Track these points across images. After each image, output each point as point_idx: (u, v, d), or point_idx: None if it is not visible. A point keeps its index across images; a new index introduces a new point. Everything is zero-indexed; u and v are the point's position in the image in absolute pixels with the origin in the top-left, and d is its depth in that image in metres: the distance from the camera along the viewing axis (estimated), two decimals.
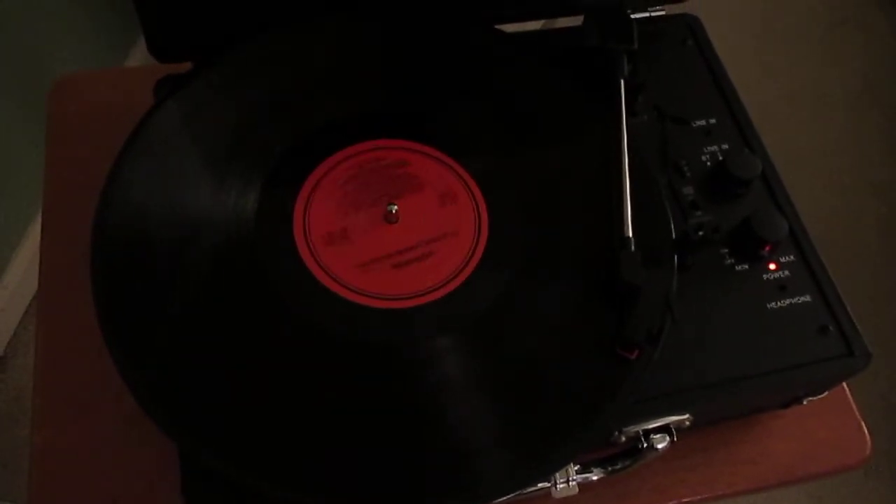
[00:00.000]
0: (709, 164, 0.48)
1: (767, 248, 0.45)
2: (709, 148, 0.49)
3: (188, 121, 0.45)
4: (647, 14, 0.55)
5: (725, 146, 0.49)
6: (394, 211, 0.42)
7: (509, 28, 0.52)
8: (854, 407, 0.50)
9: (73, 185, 0.54)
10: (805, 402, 0.47)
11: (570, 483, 0.41)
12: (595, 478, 0.42)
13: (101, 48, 1.19)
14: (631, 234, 0.42)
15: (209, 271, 0.41)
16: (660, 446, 0.42)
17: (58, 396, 0.46)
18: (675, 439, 0.42)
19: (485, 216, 0.44)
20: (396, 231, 0.43)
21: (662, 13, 0.55)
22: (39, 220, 0.55)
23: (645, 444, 0.42)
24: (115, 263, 0.40)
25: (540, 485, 0.41)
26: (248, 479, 0.36)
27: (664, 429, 0.42)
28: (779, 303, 0.44)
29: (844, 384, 0.50)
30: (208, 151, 0.44)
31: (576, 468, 0.42)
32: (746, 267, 0.45)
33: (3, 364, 1.14)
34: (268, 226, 0.42)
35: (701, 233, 0.45)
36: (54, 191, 0.54)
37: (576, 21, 0.53)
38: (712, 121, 0.50)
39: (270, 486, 0.36)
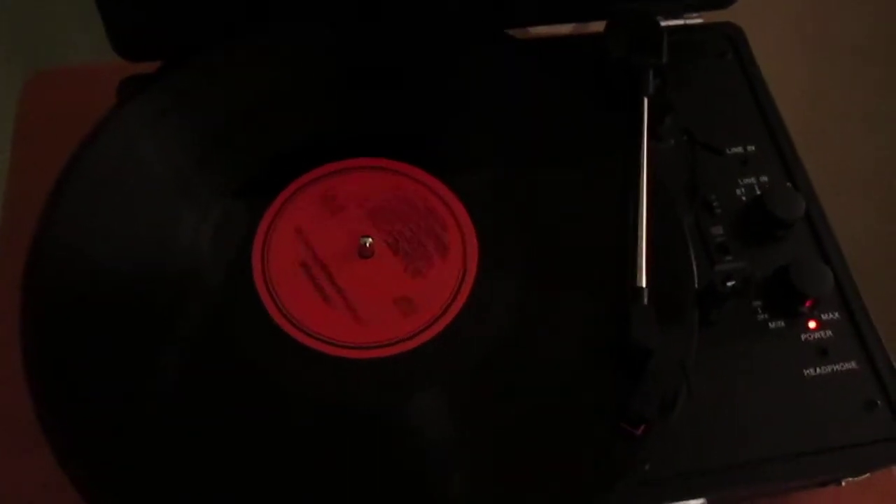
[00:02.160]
0: (744, 199, 0.42)
1: (808, 304, 0.39)
2: (745, 180, 0.43)
3: (143, 134, 0.39)
4: (681, 21, 0.48)
5: (764, 179, 0.43)
6: (367, 244, 0.37)
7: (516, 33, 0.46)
8: None
9: (35, 189, 0.49)
10: (843, 484, 0.40)
11: None
12: None
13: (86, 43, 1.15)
14: (645, 285, 0.36)
15: (153, 315, 0.35)
16: None
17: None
18: None
19: (474, 248, 0.39)
20: (371, 266, 0.37)
21: (700, 21, 0.49)
22: None
23: None
24: (47, 304, 0.35)
25: None
26: None
27: None
28: (818, 369, 0.38)
29: None
30: (160, 170, 0.38)
31: None
32: (782, 324, 0.39)
33: None
34: (226, 262, 0.37)
35: (730, 283, 0.39)
36: (16, 195, 0.50)
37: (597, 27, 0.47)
38: (751, 148, 0.44)
39: None
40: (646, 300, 0.36)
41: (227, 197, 0.39)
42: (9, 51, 1.00)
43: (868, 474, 0.40)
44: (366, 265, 0.38)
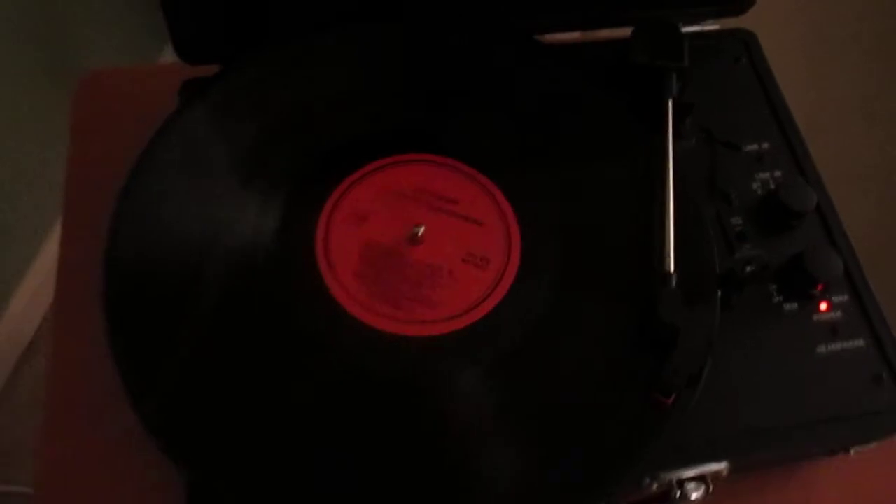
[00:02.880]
0: (759, 192, 0.45)
1: (819, 288, 0.42)
2: (760, 175, 0.46)
3: (207, 131, 0.43)
4: (698, 28, 0.52)
5: (778, 174, 0.46)
6: (419, 233, 0.40)
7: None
8: None
9: (94, 185, 0.52)
10: (852, 453, 0.44)
11: None
12: None
13: (133, 44, 1.18)
14: (672, 270, 0.40)
15: (225, 294, 0.39)
16: (694, 496, 0.39)
17: (65, 411, 0.45)
18: (711, 490, 0.39)
19: (516, 241, 0.42)
20: (421, 252, 0.41)
21: (716, 27, 0.52)
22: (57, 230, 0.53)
23: (678, 493, 0.39)
24: (128, 284, 0.39)
25: None
26: None
27: (699, 478, 0.39)
28: (829, 347, 0.41)
29: None
30: (226, 164, 0.42)
31: None
32: (795, 306, 0.42)
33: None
34: (289, 247, 0.40)
35: (749, 269, 0.42)
36: (76, 191, 0.53)
37: (617, 33, 0.50)
38: (765, 145, 0.47)
39: None
40: (674, 284, 0.39)
41: (298, 173, 0.42)
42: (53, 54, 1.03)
43: (874, 443, 0.44)
44: (412, 249, 0.41)
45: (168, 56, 1.22)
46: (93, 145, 0.54)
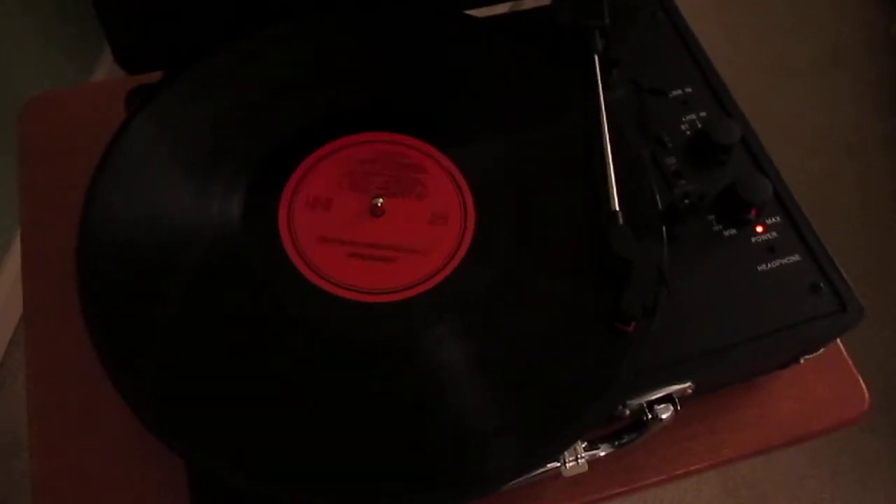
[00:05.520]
0: (689, 132, 0.49)
1: (754, 212, 0.45)
2: (687, 117, 0.49)
3: (163, 130, 0.44)
4: None
5: (703, 114, 0.49)
6: (379, 204, 0.42)
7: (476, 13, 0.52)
8: (850, 363, 0.51)
9: (51, 206, 0.53)
10: (802, 361, 0.47)
11: (579, 461, 0.41)
12: (602, 454, 0.42)
13: (66, 66, 1.17)
14: (618, 209, 0.42)
15: (198, 280, 0.40)
16: (664, 416, 0.42)
17: (54, 420, 0.46)
18: (679, 409, 0.42)
19: (471, 203, 0.44)
20: (382, 223, 0.43)
21: None
22: (17, 247, 0.54)
23: (649, 416, 0.42)
24: (102, 281, 0.40)
25: (549, 465, 0.41)
26: (257, 484, 0.35)
27: (667, 399, 0.42)
28: (769, 264, 0.45)
29: (839, 341, 0.51)
30: (186, 159, 0.43)
31: (583, 445, 0.42)
32: (734, 232, 0.45)
33: None
34: (253, 227, 0.42)
35: (687, 201, 0.45)
36: (32, 214, 0.53)
37: (541, 2, 0.53)
38: (689, 90, 0.50)
39: (279, 489, 0.35)
40: (621, 221, 0.42)
41: (255, 161, 0.44)
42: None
43: (822, 350, 0.47)
44: (373, 222, 0.43)
45: (98, 76, 1.21)
46: (44, 168, 0.55)
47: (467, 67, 0.49)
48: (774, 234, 0.46)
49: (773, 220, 0.46)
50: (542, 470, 0.41)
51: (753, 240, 0.45)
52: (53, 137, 0.56)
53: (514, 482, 0.39)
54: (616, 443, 0.43)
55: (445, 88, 0.48)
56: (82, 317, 0.39)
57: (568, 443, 0.40)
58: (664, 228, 0.43)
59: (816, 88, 1.50)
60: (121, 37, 0.46)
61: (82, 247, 0.40)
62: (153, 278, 0.40)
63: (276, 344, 0.39)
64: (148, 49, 0.47)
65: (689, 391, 0.43)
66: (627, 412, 0.42)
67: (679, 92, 0.50)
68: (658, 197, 0.44)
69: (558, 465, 0.41)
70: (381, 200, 0.42)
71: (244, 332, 0.39)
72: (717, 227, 0.45)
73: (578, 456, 0.41)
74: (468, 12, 0.52)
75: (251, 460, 0.36)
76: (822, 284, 0.44)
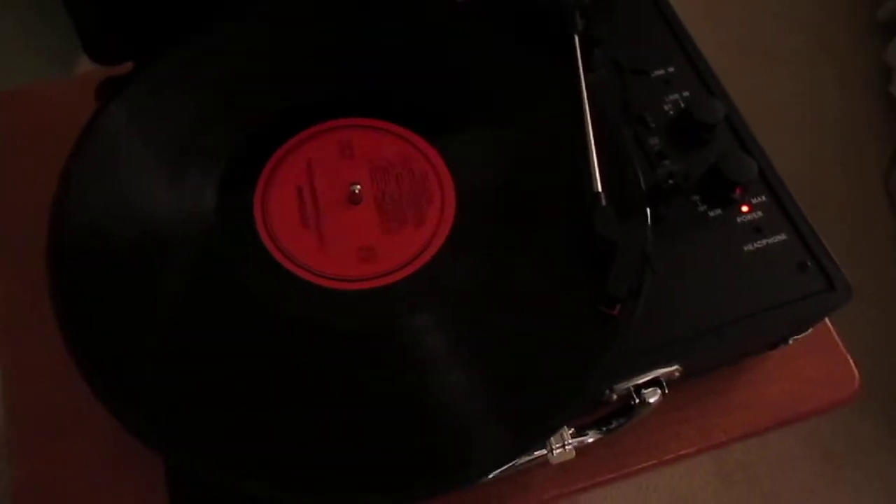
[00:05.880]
0: (672, 112, 0.48)
1: (739, 191, 0.45)
2: (670, 97, 0.48)
3: (133, 122, 0.43)
4: None
5: (686, 94, 0.49)
6: (357, 191, 0.41)
7: None
8: (840, 343, 0.50)
9: (20, 203, 0.52)
10: (791, 342, 0.46)
11: (567, 447, 0.40)
12: (591, 440, 0.42)
13: (45, 66, 1.15)
14: (601, 190, 0.42)
15: (173, 275, 0.39)
16: (652, 400, 0.41)
17: (32, 423, 0.45)
18: (667, 392, 0.42)
19: (450, 189, 0.43)
20: (361, 210, 0.42)
21: None
22: None
23: (637, 400, 0.42)
24: (74, 279, 0.39)
25: (536, 453, 0.40)
26: (237, 480, 0.35)
27: (655, 382, 0.42)
28: (755, 244, 0.44)
29: (828, 321, 0.50)
30: (158, 150, 0.42)
31: (570, 432, 0.41)
32: (720, 212, 0.45)
33: None
34: (228, 218, 0.41)
35: (671, 181, 0.44)
36: (2, 211, 0.52)
37: None
38: (671, 70, 0.50)
39: (258, 487, 0.35)
40: (604, 202, 0.41)
41: (229, 150, 0.43)
42: None
43: (810, 330, 0.47)
44: (351, 209, 0.42)
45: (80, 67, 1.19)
46: (13, 166, 0.54)
47: (444, 51, 0.48)
48: (760, 213, 0.45)
49: (759, 199, 0.45)
50: (529, 458, 0.40)
51: (739, 219, 0.45)
52: (23, 135, 0.54)
53: (500, 471, 0.39)
54: (604, 428, 0.42)
55: (421, 72, 0.47)
56: (56, 320, 0.38)
57: (554, 429, 0.39)
58: (648, 209, 0.43)
59: (803, 73, 1.49)
60: (89, 27, 0.45)
61: (53, 245, 0.39)
62: (126, 276, 0.39)
63: (252, 337, 0.38)
64: (117, 40, 0.46)
65: (677, 374, 0.42)
66: (615, 397, 0.42)
67: (662, 72, 0.50)
68: (642, 177, 0.44)
69: (545, 452, 0.40)
70: (358, 187, 0.41)
71: (220, 327, 0.38)
72: (702, 208, 0.45)
73: (566, 443, 0.41)
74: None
75: (229, 458, 0.35)
76: (809, 263, 0.44)
